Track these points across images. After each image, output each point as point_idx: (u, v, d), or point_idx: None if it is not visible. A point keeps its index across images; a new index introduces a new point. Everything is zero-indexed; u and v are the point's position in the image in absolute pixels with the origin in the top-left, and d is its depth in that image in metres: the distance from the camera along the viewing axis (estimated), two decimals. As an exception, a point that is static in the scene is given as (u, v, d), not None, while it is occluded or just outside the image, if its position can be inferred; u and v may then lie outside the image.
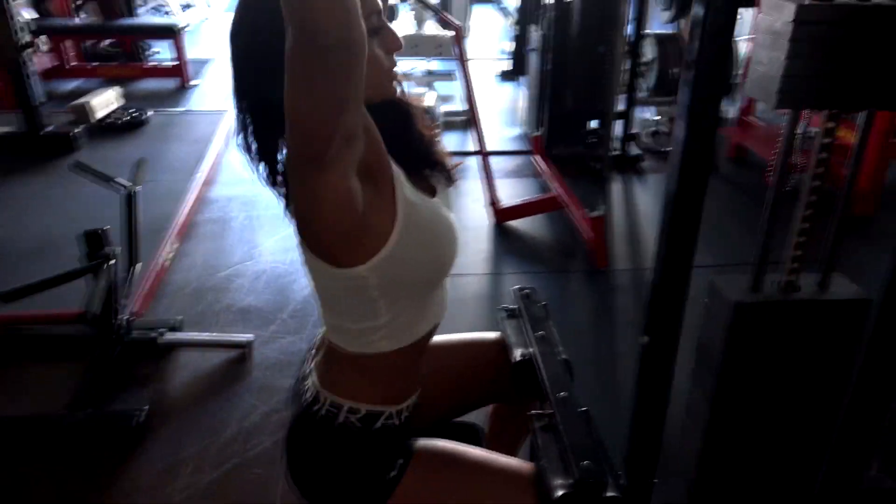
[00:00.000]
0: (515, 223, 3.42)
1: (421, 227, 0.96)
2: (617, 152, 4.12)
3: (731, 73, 3.76)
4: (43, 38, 4.82)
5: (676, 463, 1.61)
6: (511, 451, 1.36)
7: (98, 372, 2.19)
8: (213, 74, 6.01)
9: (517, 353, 1.26)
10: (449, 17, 3.39)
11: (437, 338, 1.17)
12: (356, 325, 1.01)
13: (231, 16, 0.90)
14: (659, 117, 4.49)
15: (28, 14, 4.64)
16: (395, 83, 0.97)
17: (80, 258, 2.15)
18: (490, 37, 7.33)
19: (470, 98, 3.33)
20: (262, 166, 0.97)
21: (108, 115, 4.68)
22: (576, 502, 0.98)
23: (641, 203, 3.78)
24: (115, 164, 2.78)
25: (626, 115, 4.07)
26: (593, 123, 4.12)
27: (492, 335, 1.33)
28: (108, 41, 6.10)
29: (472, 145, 3.75)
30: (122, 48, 6.08)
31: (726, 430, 1.50)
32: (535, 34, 4.12)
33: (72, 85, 5.57)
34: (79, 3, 6.06)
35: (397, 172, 0.95)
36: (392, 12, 4.18)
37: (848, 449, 1.29)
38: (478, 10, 7.26)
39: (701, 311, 1.49)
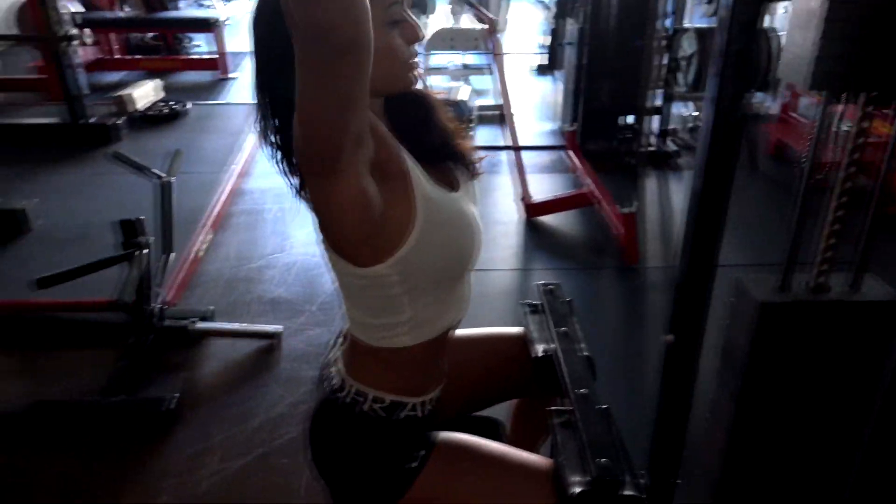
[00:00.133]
0: (546, 219, 3.39)
1: (440, 223, 0.95)
2: (652, 148, 4.06)
3: (771, 68, 3.66)
4: (88, 31, 4.94)
5: (700, 464, 1.59)
6: (532, 447, 1.35)
7: (131, 359, 2.24)
8: (251, 67, 6.08)
9: (539, 349, 1.25)
10: (483, 10, 3.38)
11: (460, 332, 1.16)
12: (378, 321, 1.01)
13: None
14: (697, 113, 4.41)
15: (73, 7, 4.75)
16: (413, 75, 0.96)
17: (116, 246, 2.21)
18: (527, 31, 7.28)
19: (503, 92, 3.32)
20: (279, 155, 0.96)
21: (148, 107, 4.79)
22: (592, 500, 0.97)
23: (676, 200, 3.72)
24: (155, 154, 2.84)
25: (661, 111, 4.01)
26: (628, 119, 4.08)
27: (514, 330, 1.33)
28: (150, 34, 6.23)
29: (505, 140, 3.73)
30: (164, 41, 6.21)
31: (751, 433, 1.47)
32: (571, 28, 4.08)
33: (116, 77, 5.70)
34: (123, -4, 6.21)
35: (412, 167, 0.94)
36: (426, 6, 4.18)
37: (880, 455, 1.25)
38: (515, 5, 7.21)
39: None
